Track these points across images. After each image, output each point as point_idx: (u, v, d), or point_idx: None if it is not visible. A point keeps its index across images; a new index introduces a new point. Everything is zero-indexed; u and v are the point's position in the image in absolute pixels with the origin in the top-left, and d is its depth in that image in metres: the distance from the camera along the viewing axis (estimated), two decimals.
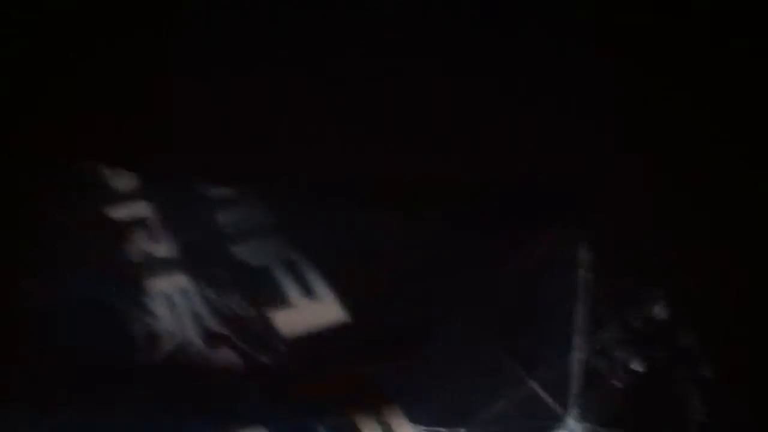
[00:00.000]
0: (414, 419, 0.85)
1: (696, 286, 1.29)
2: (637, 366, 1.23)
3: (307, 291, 0.84)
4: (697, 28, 1.44)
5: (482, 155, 1.39)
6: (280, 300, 0.81)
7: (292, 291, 0.84)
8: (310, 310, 0.82)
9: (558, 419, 1.16)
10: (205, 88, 1.43)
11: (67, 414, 0.89)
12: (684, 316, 1.27)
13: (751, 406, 1.20)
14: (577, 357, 1.23)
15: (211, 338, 0.76)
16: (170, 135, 1.40)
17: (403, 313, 0.94)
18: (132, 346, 0.80)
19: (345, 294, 0.84)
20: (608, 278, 1.29)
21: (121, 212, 0.95)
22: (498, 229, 1.32)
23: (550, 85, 1.43)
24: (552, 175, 1.37)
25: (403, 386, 0.84)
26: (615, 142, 1.39)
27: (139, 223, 0.92)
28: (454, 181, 1.37)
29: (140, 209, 0.97)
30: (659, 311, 1.27)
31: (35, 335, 1.26)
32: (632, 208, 1.34)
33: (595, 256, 1.30)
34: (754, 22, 1.43)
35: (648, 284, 1.29)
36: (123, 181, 0.96)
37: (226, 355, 0.79)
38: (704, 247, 1.31)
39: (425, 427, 0.86)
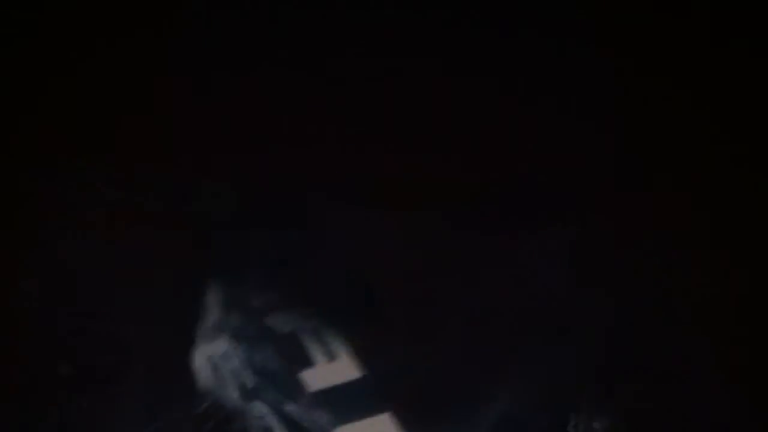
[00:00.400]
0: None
1: (696, 286, 1.29)
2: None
3: (329, 352, 0.98)
4: (697, 29, 1.44)
5: (482, 155, 1.39)
6: (305, 360, 0.97)
7: (316, 352, 0.99)
8: (330, 368, 0.97)
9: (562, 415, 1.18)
10: (205, 88, 1.43)
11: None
12: (684, 316, 1.27)
13: (751, 406, 1.20)
14: (576, 355, 1.23)
15: (247, 392, 0.92)
16: (170, 135, 1.40)
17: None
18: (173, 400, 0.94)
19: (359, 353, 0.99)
20: (608, 277, 1.29)
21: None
22: (498, 229, 1.32)
23: (550, 85, 1.43)
24: (552, 175, 1.37)
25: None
26: (615, 142, 1.39)
27: None
28: (454, 181, 1.36)
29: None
30: (658, 311, 1.27)
31: (36, 336, 1.26)
32: (632, 208, 1.34)
33: (595, 255, 1.30)
34: (754, 22, 1.43)
35: (648, 284, 1.29)
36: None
37: (258, 407, 0.95)
38: (704, 247, 1.31)
39: None
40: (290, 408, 0.97)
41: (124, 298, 1.29)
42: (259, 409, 0.97)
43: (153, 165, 1.37)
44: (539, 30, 1.45)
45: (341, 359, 1.00)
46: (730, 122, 1.40)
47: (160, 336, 1.25)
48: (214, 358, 0.99)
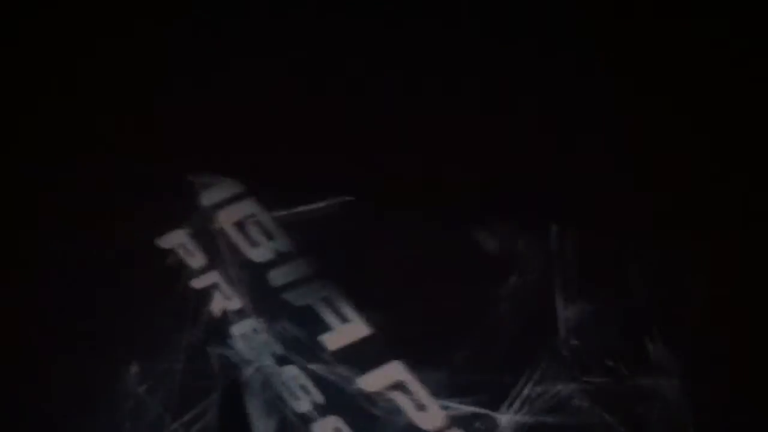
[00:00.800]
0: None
1: (696, 286, 1.29)
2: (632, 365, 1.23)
3: (341, 317, 1.18)
4: (697, 29, 1.44)
5: (482, 155, 1.39)
6: (322, 325, 1.17)
7: (331, 318, 1.18)
8: (345, 331, 1.17)
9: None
10: (205, 88, 1.43)
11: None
12: (684, 316, 1.27)
13: (751, 406, 1.21)
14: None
15: (280, 359, 1.15)
16: (170, 135, 1.40)
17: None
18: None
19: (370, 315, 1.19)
20: (608, 277, 1.29)
21: (199, 282, 1.24)
22: (497, 228, 1.32)
23: (550, 85, 1.43)
24: (552, 175, 1.37)
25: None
26: (615, 142, 1.39)
27: (214, 287, 1.22)
28: (454, 181, 1.37)
29: (213, 278, 1.25)
30: (658, 311, 1.27)
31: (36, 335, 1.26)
32: (632, 208, 1.34)
33: (595, 255, 1.30)
34: (754, 23, 1.43)
35: (647, 284, 1.29)
36: (196, 260, 1.25)
37: (291, 370, 1.16)
38: (704, 248, 1.31)
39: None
40: (317, 367, 1.16)
41: (124, 297, 1.30)
42: (292, 371, 1.16)
43: (153, 165, 1.37)
44: (539, 30, 1.45)
45: (353, 321, 1.18)
46: (731, 122, 1.40)
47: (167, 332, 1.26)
48: (247, 335, 1.19)
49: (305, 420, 1.16)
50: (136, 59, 1.44)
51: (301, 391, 1.17)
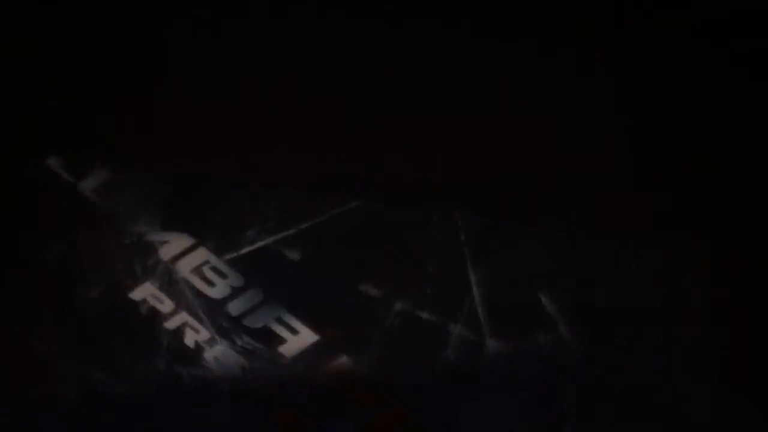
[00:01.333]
0: None
1: (696, 286, 1.29)
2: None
3: (292, 330, 1.30)
4: (697, 28, 1.44)
5: (481, 155, 1.39)
6: (277, 338, 1.30)
7: (284, 332, 1.30)
8: (295, 341, 1.29)
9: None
10: (205, 88, 1.43)
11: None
12: (684, 316, 1.27)
13: (751, 406, 1.21)
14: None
15: (243, 369, 1.29)
16: (170, 135, 1.40)
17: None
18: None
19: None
20: (608, 277, 1.29)
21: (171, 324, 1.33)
22: (498, 228, 1.32)
23: (550, 84, 1.43)
24: (552, 175, 1.37)
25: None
26: (615, 142, 1.39)
27: (186, 325, 1.32)
28: (454, 181, 1.37)
29: (182, 318, 1.33)
30: (658, 311, 1.27)
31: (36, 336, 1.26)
32: (632, 208, 1.34)
33: (595, 255, 1.30)
34: (754, 23, 1.43)
35: (648, 284, 1.29)
36: (166, 305, 1.33)
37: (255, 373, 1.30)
38: (704, 247, 1.31)
39: None
40: (278, 371, 1.29)
41: (124, 296, 1.30)
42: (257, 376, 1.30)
43: (153, 165, 1.37)
44: (539, 30, 1.45)
45: (303, 331, 1.30)
46: (731, 122, 1.40)
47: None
48: (217, 356, 1.30)
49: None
50: (136, 59, 1.44)
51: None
